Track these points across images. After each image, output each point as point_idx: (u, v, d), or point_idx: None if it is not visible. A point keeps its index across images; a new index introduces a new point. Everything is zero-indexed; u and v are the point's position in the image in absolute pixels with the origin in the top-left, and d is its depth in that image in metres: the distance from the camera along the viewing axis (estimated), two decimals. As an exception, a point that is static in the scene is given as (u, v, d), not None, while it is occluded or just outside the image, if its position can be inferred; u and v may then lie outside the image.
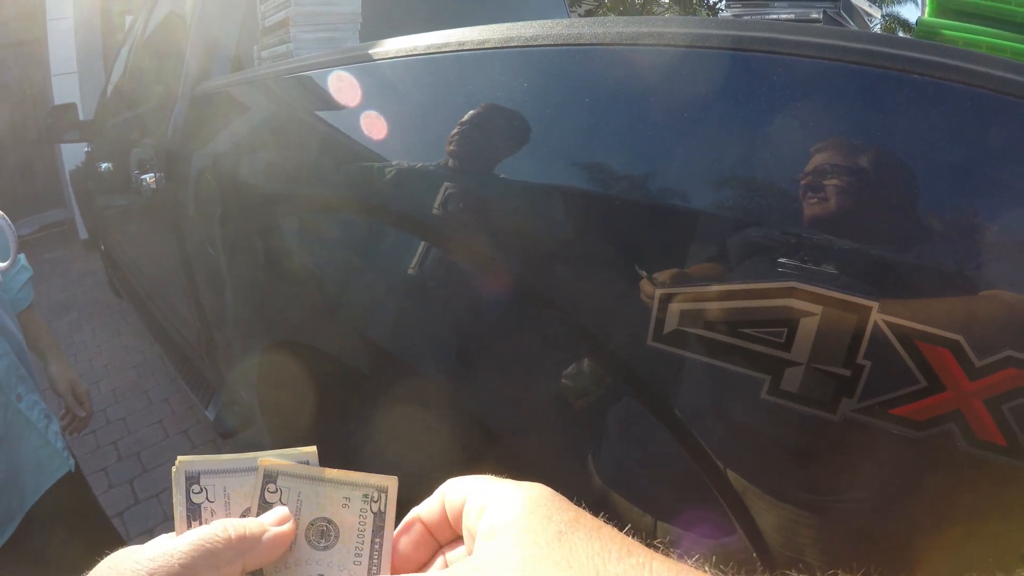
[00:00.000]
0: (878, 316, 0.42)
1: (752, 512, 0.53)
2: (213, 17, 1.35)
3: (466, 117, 0.64)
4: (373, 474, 0.32)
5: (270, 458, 0.32)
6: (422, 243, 0.70)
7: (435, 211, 0.66)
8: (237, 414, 1.71)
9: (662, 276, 0.50)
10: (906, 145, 0.44)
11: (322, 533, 0.31)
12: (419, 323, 0.74)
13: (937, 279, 0.41)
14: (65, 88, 4.86)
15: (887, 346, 0.42)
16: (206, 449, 2.29)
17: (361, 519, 0.31)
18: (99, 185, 2.68)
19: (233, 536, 0.28)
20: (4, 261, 0.76)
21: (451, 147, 0.64)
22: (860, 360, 0.43)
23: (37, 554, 0.90)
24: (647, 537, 0.56)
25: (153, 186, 1.52)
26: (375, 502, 0.32)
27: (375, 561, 0.31)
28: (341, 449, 1.07)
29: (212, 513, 0.31)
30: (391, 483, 0.32)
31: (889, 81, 0.44)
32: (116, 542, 1.17)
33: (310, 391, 1.26)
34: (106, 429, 2.49)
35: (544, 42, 0.58)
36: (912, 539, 0.46)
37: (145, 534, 1.89)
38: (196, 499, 0.31)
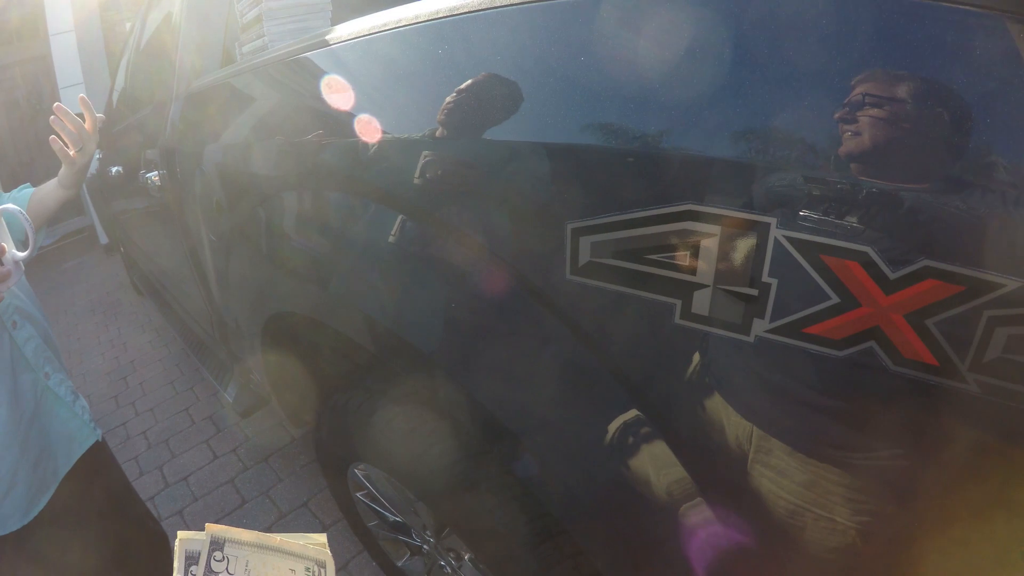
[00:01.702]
0: (777, 232, 0.41)
1: (680, 437, 0.55)
2: (199, 19, 1.42)
3: (408, 82, 0.68)
4: (311, 544, 0.33)
5: (284, 538, 0.32)
6: (399, 214, 0.76)
7: (373, 177, 0.71)
8: (253, 393, 1.81)
9: (570, 209, 0.52)
10: (789, 57, 0.41)
11: None
12: (398, 287, 0.81)
13: (835, 188, 0.38)
14: (74, 99, 4.97)
15: (791, 262, 0.41)
16: (230, 433, 2.41)
17: None
18: (112, 189, 2.79)
19: None
20: (24, 251, 0.84)
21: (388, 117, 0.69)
22: (766, 278, 0.43)
23: (71, 523, 0.99)
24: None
25: (158, 183, 1.61)
26: None
27: None
28: (347, 418, 1.15)
29: None
30: (328, 559, 0.33)
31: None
32: (144, 514, 1.27)
33: (313, 364, 1.35)
34: (135, 420, 2.63)
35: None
36: (847, 464, 0.45)
37: (176, 515, 2.02)
38: None
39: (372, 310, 0.83)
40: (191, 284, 1.77)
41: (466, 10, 0.61)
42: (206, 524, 0.31)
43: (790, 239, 0.41)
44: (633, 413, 0.58)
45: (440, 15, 0.65)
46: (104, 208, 3.65)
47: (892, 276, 0.38)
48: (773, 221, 0.41)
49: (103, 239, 5.42)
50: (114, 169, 2.42)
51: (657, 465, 0.58)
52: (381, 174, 0.74)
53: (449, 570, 1.20)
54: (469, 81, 0.62)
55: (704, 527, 0.58)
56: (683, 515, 0.58)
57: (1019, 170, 0.34)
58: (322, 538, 0.35)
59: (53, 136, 1.04)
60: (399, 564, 1.41)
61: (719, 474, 0.54)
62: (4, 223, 0.79)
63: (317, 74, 0.87)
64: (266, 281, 1.14)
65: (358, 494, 1.34)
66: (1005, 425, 0.38)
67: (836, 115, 0.39)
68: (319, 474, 2.09)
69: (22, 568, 0.90)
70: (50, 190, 1.10)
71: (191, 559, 0.30)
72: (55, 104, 1.03)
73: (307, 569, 0.32)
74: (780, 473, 0.49)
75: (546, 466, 0.70)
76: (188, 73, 1.43)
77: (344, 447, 1.19)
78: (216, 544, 0.30)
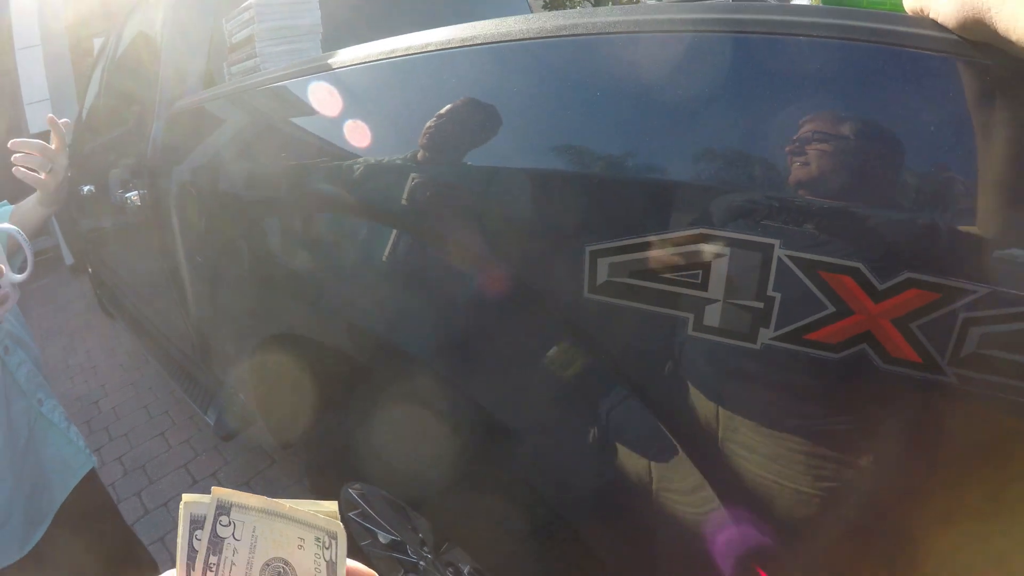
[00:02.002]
0: (780, 252, 0.46)
1: (698, 442, 0.58)
2: (182, 38, 1.41)
3: (443, 111, 0.72)
4: (321, 514, 0.31)
5: (293, 505, 0.30)
6: (393, 230, 0.77)
7: (404, 201, 0.74)
8: (236, 416, 1.78)
9: (590, 233, 0.56)
10: (791, 103, 0.46)
11: (279, 574, 0.30)
12: (395, 301, 0.82)
13: (830, 214, 0.44)
14: (39, 116, 4.86)
15: (793, 278, 0.46)
16: (208, 457, 2.35)
17: (316, 566, 0.30)
18: (83, 209, 2.73)
19: None
20: (22, 274, 0.82)
21: (422, 140, 0.71)
22: (770, 292, 0.47)
23: (66, 551, 0.96)
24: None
25: (138, 203, 1.58)
26: (327, 548, 0.30)
27: None
28: (343, 438, 1.14)
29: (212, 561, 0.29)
30: (339, 529, 0.31)
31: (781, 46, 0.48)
32: (133, 543, 1.24)
33: (304, 383, 1.34)
34: (110, 446, 2.55)
35: (482, 41, 0.65)
36: (844, 453, 0.50)
37: (157, 541, 1.96)
38: (196, 545, 0.29)
39: (380, 330, 0.84)
40: (170, 305, 1.74)
41: (483, 41, 0.64)
42: (212, 487, 0.30)
43: (791, 258, 0.46)
44: (648, 419, 0.61)
45: (452, 45, 0.67)
46: (71, 228, 3.55)
47: (880, 287, 0.43)
48: (777, 242, 0.47)
49: (69, 260, 5.26)
50: (86, 188, 2.37)
51: (669, 467, 0.61)
52: (402, 197, 0.75)
53: (447, 588, 1.20)
54: (489, 110, 0.64)
55: (715, 525, 0.60)
56: (695, 515, 0.61)
57: (983, 194, 0.40)
58: (333, 506, 0.32)
59: (18, 167, 1.00)
60: (393, 584, 1.40)
61: (729, 473, 0.57)
62: (20, 237, 0.77)
63: (318, 97, 0.88)
64: (260, 303, 1.14)
65: (351, 514, 1.33)
66: (981, 412, 0.43)
67: (829, 150, 0.44)
68: (302, 495, 2.06)
69: None
70: (30, 208, 1.06)
71: (196, 523, 0.29)
72: (10, 142, 1.00)
73: (317, 539, 0.30)
74: (783, 466, 0.53)
75: (559, 471, 0.71)
76: (171, 91, 1.42)
77: (338, 466, 1.18)
78: (222, 508, 0.29)
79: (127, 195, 1.62)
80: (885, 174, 0.43)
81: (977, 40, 0.39)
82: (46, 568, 0.91)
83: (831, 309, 0.45)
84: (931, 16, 0.42)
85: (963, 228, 0.40)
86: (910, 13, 0.44)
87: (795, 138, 0.46)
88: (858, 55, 0.44)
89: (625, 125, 0.55)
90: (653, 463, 0.62)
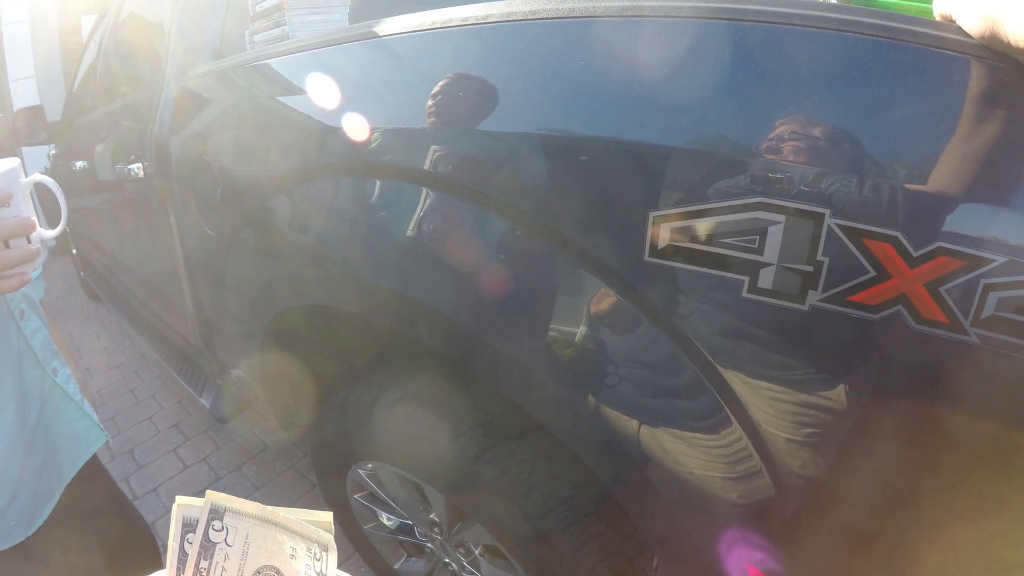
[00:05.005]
0: (830, 220, 0.51)
1: (744, 402, 0.61)
2: (196, 7, 1.38)
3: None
4: (315, 524, 0.31)
5: (287, 513, 0.31)
6: (441, 198, 0.77)
7: (457, 168, 0.73)
8: (234, 397, 1.74)
9: (654, 201, 0.59)
10: (843, 90, 0.52)
11: None
12: (440, 269, 0.81)
13: (874, 187, 0.49)
14: (23, 93, 4.74)
15: (840, 244, 0.51)
16: (199, 441, 2.31)
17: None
18: (72, 185, 2.66)
19: None
20: (54, 229, 0.76)
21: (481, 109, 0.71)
22: (820, 257, 0.52)
23: (73, 526, 0.92)
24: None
25: (141, 175, 1.54)
26: (318, 560, 0.30)
27: None
28: (357, 416, 1.13)
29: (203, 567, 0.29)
30: (331, 543, 0.31)
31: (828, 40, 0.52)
32: (136, 514, 1.20)
33: (319, 362, 1.32)
34: (94, 430, 2.49)
35: (522, 17, 0.67)
36: (883, 406, 0.55)
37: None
38: (187, 548, 0.29)
39: (412, 297, 0.83)
40: (169, 283, 1.70)
41: (548, 16, 0.65)
42: (207, 491, 0.29)
43: (840, 226, 0.51)
44: (699, 381, 0.64)
45: (515, 17, 0.68)
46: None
47: (915, 254, 0.48)
48: (827, 211, 0.51)
49: (50, 241, 5.14)
50: (79, 164, 2.31)
51: (714, 428, 0.64)
52: (455, 163, 0.75)
53: (455, 567, 1.19)
54: (550, 81, 0.66)
55: (755, 488, 0.62)
56: (735, 477, 0.64)
57: (999, 176, 0.46)
58: (327, 516, 0.32)
59: None
60: (396, 567, 1.38)
61: (777, 432, 0.61)
62: (34, 195, 0.72)
63: (351, 66, 0.87)
64: (278, 276, 1.12)
65: (356, 496, 1.31)
66: (999, 367, 0.48)
67: (873, 135, 0.50)
68: (297, 481, 2.03)
69: (27, 573, 0.83)
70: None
71: (188, 526, 0.29)
72: None
73: (309, 550, 0.30)
74: (826, 419, 0.58)
75: (603, 435, 0.72)
76: (182, 62, 1.39)
77: (350, 446, 1.16)
78: (216, 513, 0.29)
79: (129, 167, 1.58)
80: (921, 155, 0.48)
81: (994, 48, 0.45)
82: (54, 540, 0.87)
83: (872, 273, 0.50)
84: (957, 24, 0.48)
85: (986, 204, 0.46)
86: (939, 19, 0.49)
87: (846, 123, 0.51)
88: (895, 52, 0.49)
89: (691, 101, 0.58)
90: (695, 420, 0.65)
